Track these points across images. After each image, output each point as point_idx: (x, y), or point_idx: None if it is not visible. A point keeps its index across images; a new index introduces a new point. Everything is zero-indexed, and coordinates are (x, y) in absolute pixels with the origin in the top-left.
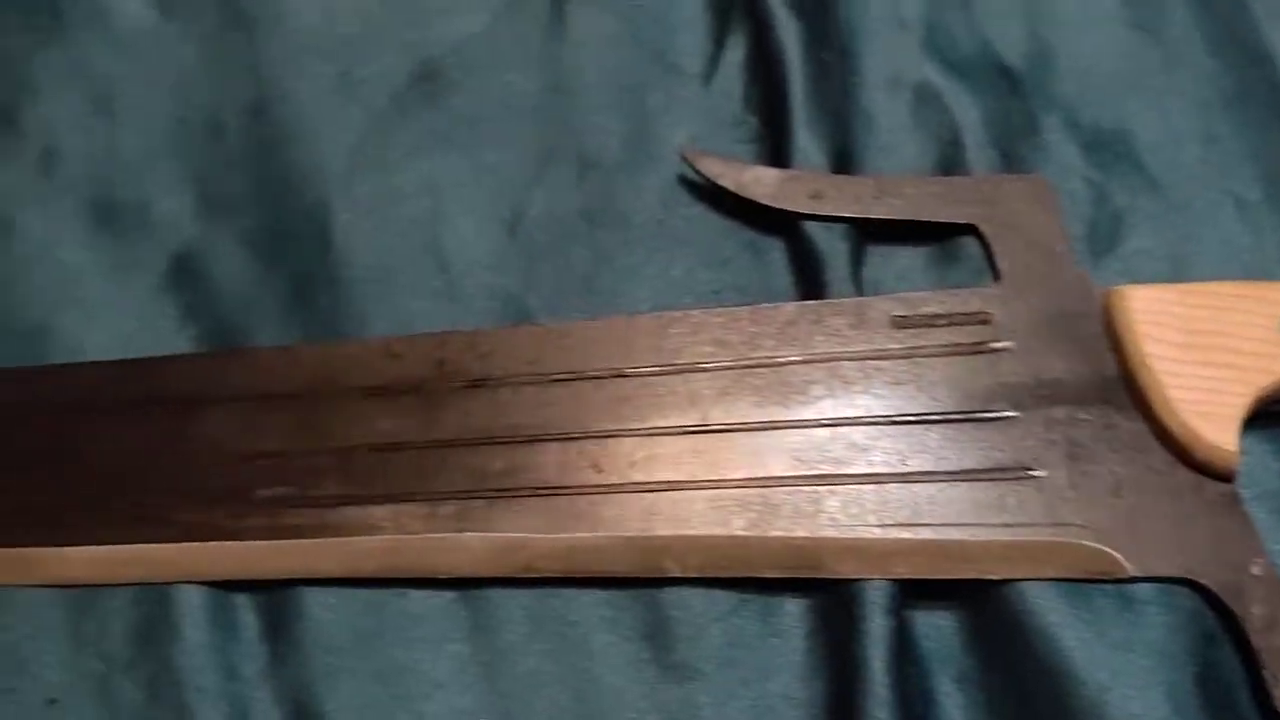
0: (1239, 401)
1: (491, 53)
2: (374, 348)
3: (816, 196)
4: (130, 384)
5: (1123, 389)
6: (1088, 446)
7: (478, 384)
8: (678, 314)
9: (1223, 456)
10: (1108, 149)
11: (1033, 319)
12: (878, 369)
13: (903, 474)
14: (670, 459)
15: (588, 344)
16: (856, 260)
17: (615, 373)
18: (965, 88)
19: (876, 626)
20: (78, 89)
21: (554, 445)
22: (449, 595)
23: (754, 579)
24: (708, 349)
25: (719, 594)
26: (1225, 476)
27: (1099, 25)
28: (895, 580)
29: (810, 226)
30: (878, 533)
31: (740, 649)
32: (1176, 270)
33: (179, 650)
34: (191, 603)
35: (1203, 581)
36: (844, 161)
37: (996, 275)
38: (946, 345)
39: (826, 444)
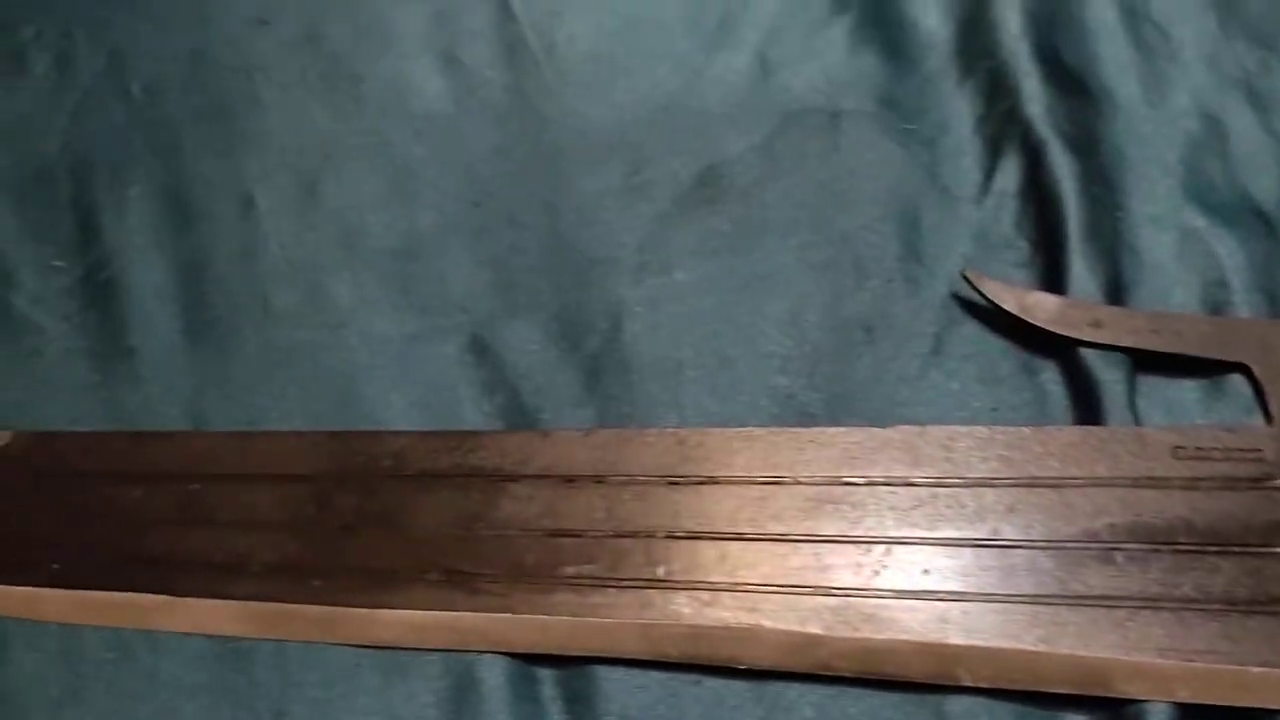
0: None
1: (770, 163)
2: (668, 436)
3: (1096, 325)
4: (443, 455)
5: None
6: None
7: (774, 482)
8: (963, 429)
9: None
10: None
11: None
12: (1162, 497)
13: (1186, 600)
14: (960, 569)
15: (878, 450)
16: (1131, 389)
17: (904, 481)
18: (1227, 231)
19: None
20: (378, 167)
21: (849, 548)
22: (742, 685)
23: (1036, 693)
24: (994, 464)
25: (1001, 705)
26: None
27: None
28: (1178, 704)
29: (1087, 354)
30: (1164, 656)
31: None
32: None
33: None
34: (497, 675)
35: None
36: (1116, 293)
37: (1268, 417)
38: (1225, 479)
39: (1111, 566)
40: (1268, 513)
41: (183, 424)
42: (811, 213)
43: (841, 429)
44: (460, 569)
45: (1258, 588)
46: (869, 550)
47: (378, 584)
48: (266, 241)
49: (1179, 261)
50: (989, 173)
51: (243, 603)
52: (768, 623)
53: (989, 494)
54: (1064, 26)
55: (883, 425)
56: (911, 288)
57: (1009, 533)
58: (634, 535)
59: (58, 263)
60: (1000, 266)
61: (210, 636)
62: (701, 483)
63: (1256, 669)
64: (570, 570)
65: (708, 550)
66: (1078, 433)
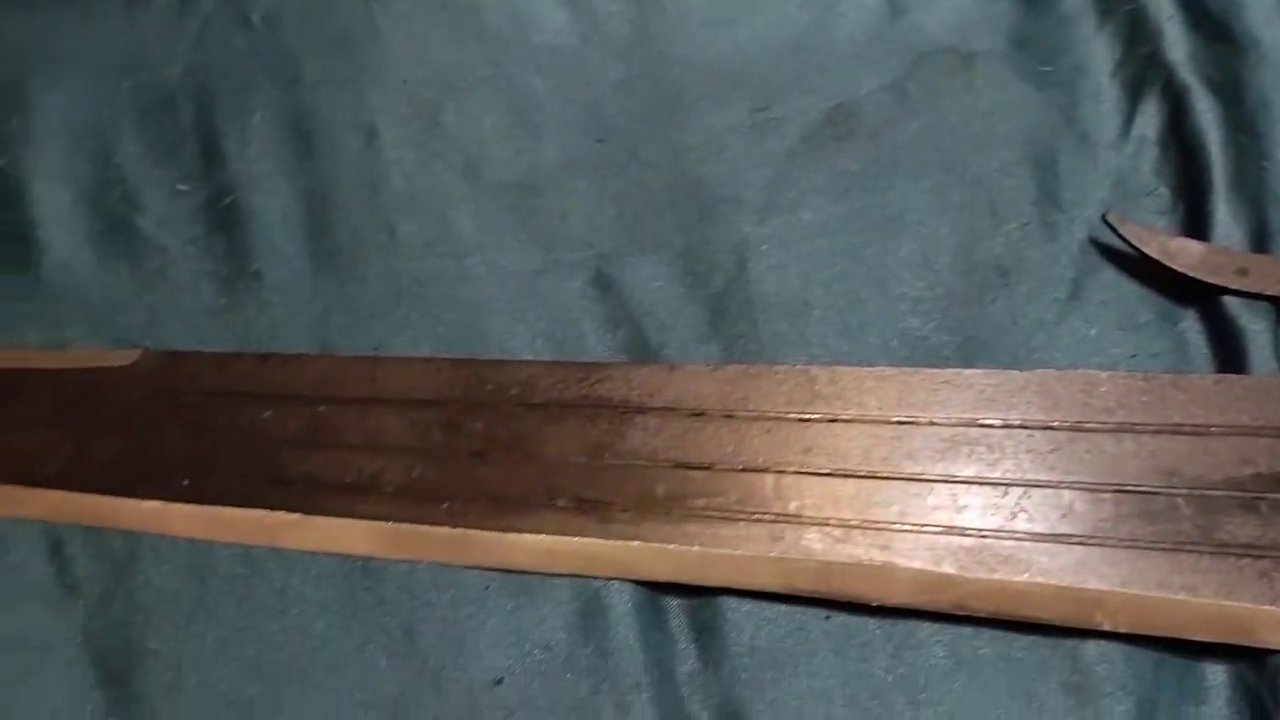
0: None
1: (901, 103)
2: (798, 373)
3: (1241, 272)
4: (570, 385)
5: None
6: None
7: (908, 422)
8: (1103, 374)
9: None
10: None
11: None
12: None
13: None
14: (1100, 515)
15: (1016, 393)
16: (1276, 338)
17: (1043, 424)
18: None
19: None
20: (500, 100)
21: (985, 489)
22: (872, 622)
23: (1175, 641)
24: (1135, 410)
25: (1139, 652)
26: None
27: None
28: None
29: (1230, 302)
30: None
31: (1161, 712)
32: None
33: (616, 646)
34: (625, 601)
35: None
36: (1260, 241)
37: None
38: None
39: (1256, 516)
40: None
41: (308, 348)
42: (944, 154)
43: (977, 371)
44: (589, 497)
45: None
46: (1006, 492)
47: (508, 509)
48: (389, 172)
49: None
50: (1128, 118)
51: (374, 523)
52: (901, 561)
53: (1129, 440)
54: None
55: (1019, 369)
56: (1048, 231)
57: (1151, 479)
58: (764, 470)
59: (182, 186)
60: (1140, 213)
61: (339, 555)
62: (833, 420)
63: None
64: (700, 502)
65: (841, 487)
66: (1221, 380)
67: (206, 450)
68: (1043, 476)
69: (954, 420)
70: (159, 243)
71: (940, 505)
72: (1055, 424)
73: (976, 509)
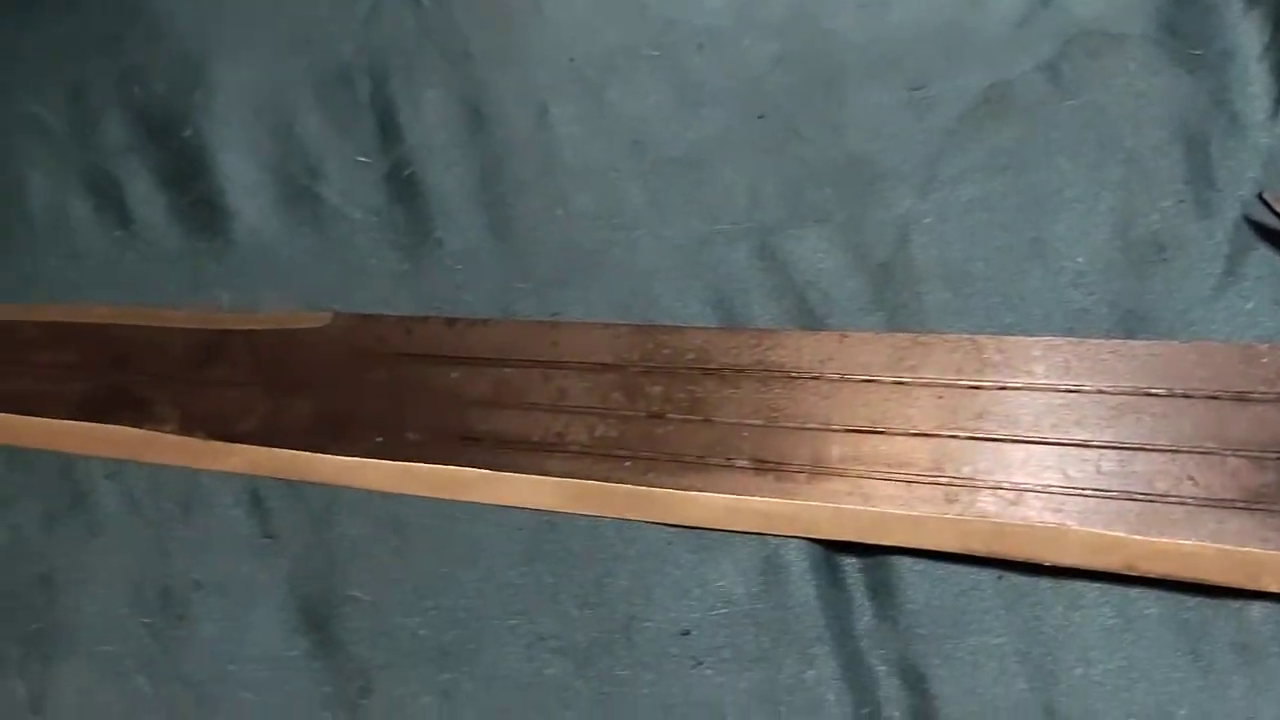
0: None
1: (1054, 83)
2: (966, 342)
3: None
4: (744, 351)
5: None
6: None
7: (1076, 390)
8: (1265, 345)
9: None
10: None
11: None
12: None
13: None
14: (1271, 481)
15: (1180, 363)
16: None
17: (1209, 394)
18: None
19: None
20: (663, 78)
21: (1155, 455)
22: (1044, 582)
23: None
24: None
25: None
26: None
27: None
28: None
29: None
30: None
31: None
32: None
33: (796, 602)
34: (803, 559)
35: None
36: None
37: None
38: None
39: None
40: None
41: (490, 313)
42: (1098, 133)
43: (1141, 342)
44: (766, 458)
45: None
46: (1173, 459)
47: (687, 468)
48: (560, 147)
49: None
50: (1277, 100)
51: (560, 479)
52: (1073, 523)
53: None
54: None
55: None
56: (1202, 209)
57: None
58: (936, 435)
59: (362, 158)
60: None
61: (525, 510)
62: (1003, 388)
63: None
64: (875, 466)
65: (1013, 452)
66: None
67: (397, 409)
68: (1208, 444)
69: (1120, 388)
70: (343, 211)
71: (1110, 470)
72: (1219, 393)
73: (1145, 474)
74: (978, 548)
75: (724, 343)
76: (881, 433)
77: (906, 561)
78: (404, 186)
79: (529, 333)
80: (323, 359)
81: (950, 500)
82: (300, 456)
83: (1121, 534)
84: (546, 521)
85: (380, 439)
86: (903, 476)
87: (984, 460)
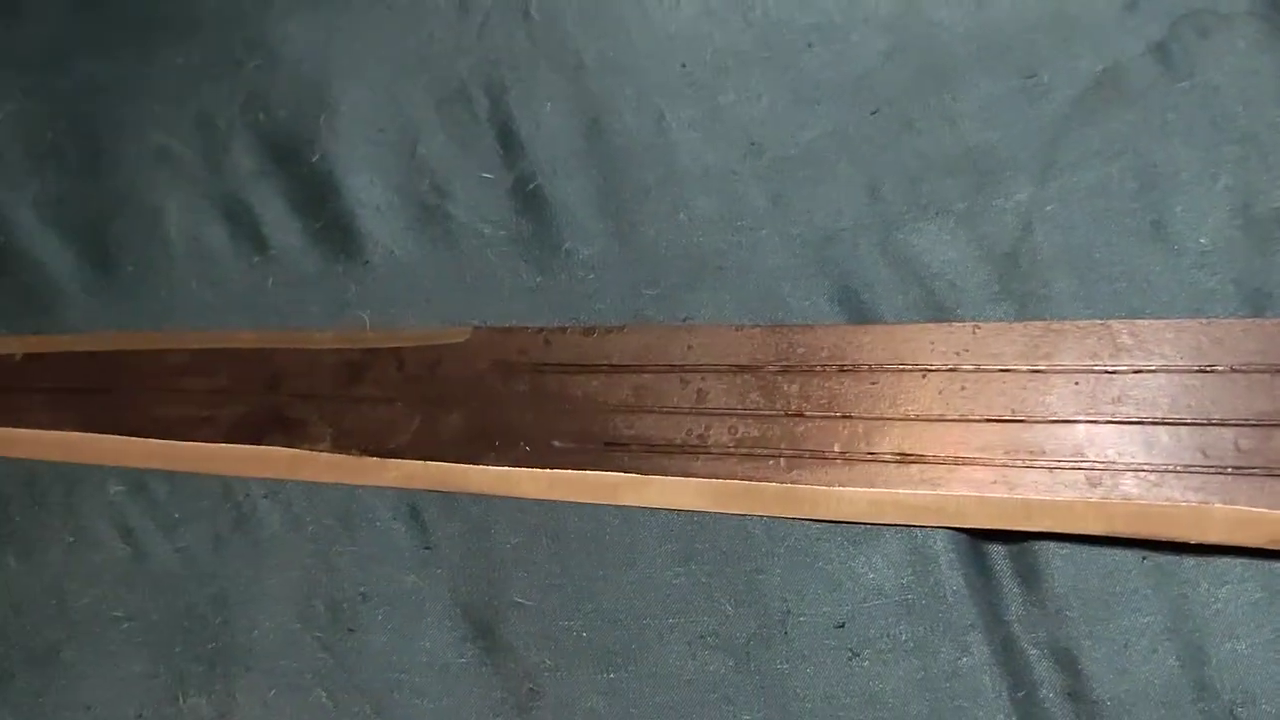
0: None
1: (1165, 65)
2: (1097, 327)
3: None
4: (877, 348)
5: None
6: None
7: (1207, 370)
8: None
9: None
10: None
11: None
12: None
13: None
14: None
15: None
16: None
17: None
18: None
19: None
20: (774, 79)
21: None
22: (1190, 561)
23: None
24: None
25: None
26: None
27: None
28: None
29: None
30: None
31: None
32: None
33: (947, 590)
34: (950, 549)
35: None
36: None
37: None
38: None
39: None
40: None
41: (623, 320)
42: (1211, 113)
43: (1271, 319)
44: (909, 450)
45: None
46: None
47: (831, 464)
48: (678, 152)
49: None
50: None
51: (707, 480)
52: (1216, 501)
53: None
54: None
55: None
56: None
57: None
58: (1075, 421)
59: (487, 175)
60: None
61: (674, 511)
62: (1138, 371)
63: None
64: (1015, 453)
65: (1153, 434)
66: None
67: (542, 418)
68: None
69: (1254, 365)
70: (473, 228)
71: (1249, 447)
72: None
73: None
74: (1122, 529)
75: (857, 339)
76: (1021, 421)
77: (1051, 546)
78: (529, 200)
79: (664, 337)
80: (466, 373)
81: (1093, 484)
82: (454, 469)
83: (1264, 509)
84: (695, 522)
85: (528, 448)
86: (1045, 463)
87: (1125, 443)
